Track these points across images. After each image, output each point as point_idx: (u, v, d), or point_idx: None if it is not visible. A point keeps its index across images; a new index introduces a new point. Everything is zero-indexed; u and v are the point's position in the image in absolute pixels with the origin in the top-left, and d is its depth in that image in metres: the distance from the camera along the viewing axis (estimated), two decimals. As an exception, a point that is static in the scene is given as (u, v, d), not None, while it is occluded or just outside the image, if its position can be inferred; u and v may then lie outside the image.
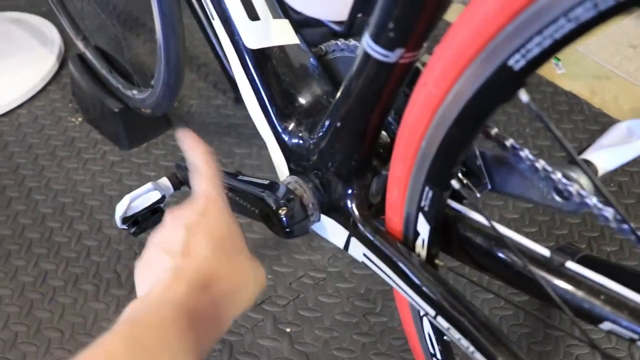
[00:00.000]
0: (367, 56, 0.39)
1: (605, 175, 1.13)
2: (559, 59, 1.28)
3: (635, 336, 0.42)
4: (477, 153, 0.48)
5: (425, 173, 0.43)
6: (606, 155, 0.49)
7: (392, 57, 0.38)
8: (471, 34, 0.33)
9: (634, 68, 1.27)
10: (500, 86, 0.34)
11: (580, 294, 0.44)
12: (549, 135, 1.15)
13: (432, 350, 0.57)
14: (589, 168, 0.45)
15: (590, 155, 0.49)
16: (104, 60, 1.10)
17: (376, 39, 0.38)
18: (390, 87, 0.41)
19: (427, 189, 0.44)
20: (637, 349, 0.81)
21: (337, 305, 0.88)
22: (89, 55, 1.11)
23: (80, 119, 1.15)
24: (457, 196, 0.51)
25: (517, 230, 1.03)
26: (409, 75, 0.42)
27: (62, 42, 1.28)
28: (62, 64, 1.25)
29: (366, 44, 0.39)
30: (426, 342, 0.57)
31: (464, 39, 0.34)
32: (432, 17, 0.37)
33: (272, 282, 0.91)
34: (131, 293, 0.91)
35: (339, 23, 0.43)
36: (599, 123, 1.15)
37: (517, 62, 0.32)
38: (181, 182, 0.71)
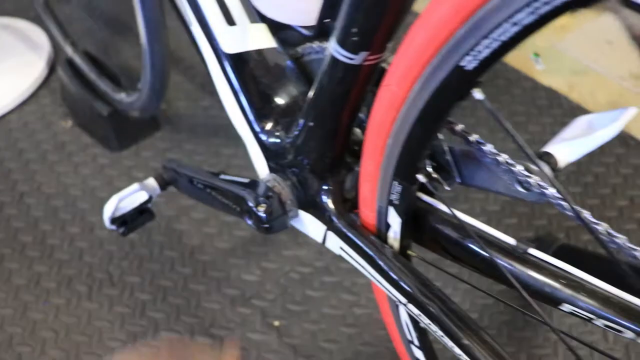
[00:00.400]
0: (333, 59, 0.41)
1: (582, 168, 1.16)
2: (538, 55, 1.30)
3: (592, 316, 0.44)
4: (446, 149, 0.50)
5: (392, 168, 0.45)
6: (566, 148, 0.51)
7: (357, 59, 0.40)
8: (427, 39, 0.35)
9: (610, 63, 1.29)
10: (456, 85, 0.37)
11: (541, 278, 0.46)
12: (529, 129, 1.17)
13: (409, 337, 0.59)
14: (541, 161, 0.47)
15: (551, 148, 0.51)
16: (93, 64, 1.11)
17: (341, 42, 0.40)
18: (357, 87, 0.43)
19: (395, 183, 0.46)
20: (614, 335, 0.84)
21: (324, 299, 0.91)
22: (77, 59, 1.13)
23: (70, 123, 1.17)
24: (429, 189, 0.53)
25: (498, 221, 1.07)
26: (374, 76, 0.44)
27: (51, 47, 1.29)
28: (52, 69, 1.27)
29: (332, 47, 0.41)
30: (403, 329, 0.59)
31: (420, 43, 0.36)
32: (392, 22, 0.39)
33: (260, 278, 0.93)
34: (123, 292, 0.93)
35: (310, 27, 0.45)
36: (576, 117, 1.17)
37: (469, 63, 0.34)
38: (167, 182, 0.74)
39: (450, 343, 0.45)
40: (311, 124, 0.49)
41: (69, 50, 1.15)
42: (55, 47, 1.29)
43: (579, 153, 0.51)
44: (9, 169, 1.10)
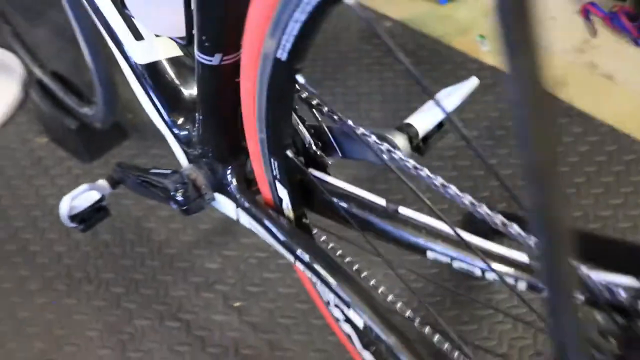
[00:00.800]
0: (198, 62, 0.52)
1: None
2: (484, 37, 1.39)
3: (448, 259, 0.54)
4: (326, 129, 0.61)
5: (267, 148, 0.55)
6: (425, 118, 0.61)
7: (215, 60, 0.51)
8: (251, 38, 0.45)
9: (555, 39, 1.37)
10: (282, 73, 0.46)
11: (408, 231, 0.56)
12: (473, 109, 1.26)
13: (326, 299, 0.69)
14: (398, 131, 0.57)
15: (412, 119, 0.61)
16: (61, 83, 1.23)
17: (199, 48, 0.50)
18: (224, 83, 0.54)
19: (272, 160, 0.56)
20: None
21: (280, 280, 1.01)
22: (46, 80, 1.25)
23: (45, 139, 1.29)
24: (316, 164, 0.63)
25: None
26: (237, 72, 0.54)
27: (25, 70, 1.41)
28: (27, 91, 1.39)
29: (195, 53, 0.51)
30: (319, 292, 0.69)
31: (249, 44, 0.46)
32: (232, 28, 0.49)
33: (222, 265, 1.04)
34: (99, 287, 1.04)
35: (183, 38, 0.55)
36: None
37: (282, 54, 0.44)
38: (117, 181, 0.85)
39: (327, 292, 0.55)
40: (203, 118, 0.59)
41: (38, 72, 1.27)
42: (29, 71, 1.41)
43: (436, 121, 0.61)
44: (-7, 186, 1.23)
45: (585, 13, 1.37)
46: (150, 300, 1.02)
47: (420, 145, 0.60)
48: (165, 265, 1.06)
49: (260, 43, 0.44)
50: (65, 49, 1.38)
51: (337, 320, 0.73)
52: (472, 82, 0.59)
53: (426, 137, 0.62)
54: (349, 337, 0.75)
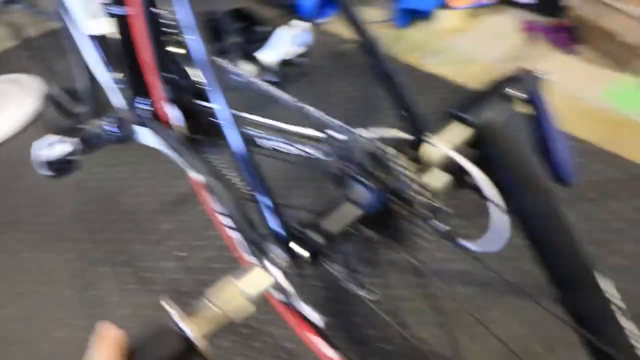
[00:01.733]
0: (114, 15, 0.87)
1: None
2: (431, 52, 1.72)
3: (271, 145, 0.85)
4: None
5: (156, 74, 0.89)
6: (267, 54, 0.93)
7: (121, 11, 0.86)
8: None
9: (498, 53, 1.69)
10: (149, 11, 0.81)
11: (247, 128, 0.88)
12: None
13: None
14: (246, 62, 0.90)
15: (257, 54, 0.94)
16: (68, 95, 1.64)
17: (113, 3, 0.86)
18: (132, 30, 0.89)
19: (163, 85, 0.90)
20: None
21: (219, 236, 1.31)
22: (57, 94, 1.66)
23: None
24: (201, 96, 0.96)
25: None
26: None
27: (41, 88, 1.85)
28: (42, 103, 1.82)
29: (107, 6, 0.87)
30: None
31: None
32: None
33: (176, 227, 1.36)
34: (74, 244, 1.38)
35: None
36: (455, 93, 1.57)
37: (147, -1, 0.79)
38: (85, 139, 1.20)
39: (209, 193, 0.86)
40: (124, 63, 0.94)
41: (50, 89, 1.69)
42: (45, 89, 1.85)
43: (277, 57, 0.93)
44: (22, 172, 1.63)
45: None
46: (112, 253, 1.34)
47: (277, 71, 0.93)
48: (130, 228, 1.38)
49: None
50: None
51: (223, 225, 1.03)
52: (301, 25, 0.92)
53: (286, 64, 0.95)
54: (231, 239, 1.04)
